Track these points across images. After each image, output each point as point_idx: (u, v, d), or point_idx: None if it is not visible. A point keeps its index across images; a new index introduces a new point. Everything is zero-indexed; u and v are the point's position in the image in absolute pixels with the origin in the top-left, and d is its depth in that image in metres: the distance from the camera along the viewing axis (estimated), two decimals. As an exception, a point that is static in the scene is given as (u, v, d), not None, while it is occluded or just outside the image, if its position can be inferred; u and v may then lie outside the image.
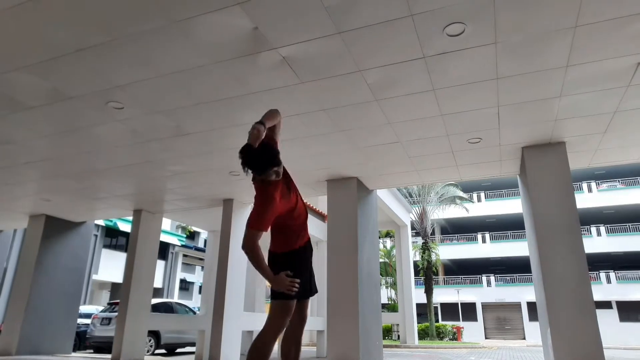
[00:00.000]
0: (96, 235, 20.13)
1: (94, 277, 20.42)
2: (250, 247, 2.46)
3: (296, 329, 2.75)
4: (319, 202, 11.26)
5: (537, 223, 5.70)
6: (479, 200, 32.25)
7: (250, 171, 2.55)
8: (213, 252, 10.92)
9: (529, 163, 5.96)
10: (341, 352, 6.55)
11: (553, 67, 4.13)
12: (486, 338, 28.82)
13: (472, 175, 7.31)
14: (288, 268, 2.60)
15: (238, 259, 8.49)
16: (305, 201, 2.88)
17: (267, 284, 2.72)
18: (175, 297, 25.00)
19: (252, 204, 2.57)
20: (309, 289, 2.80)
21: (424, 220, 20.87)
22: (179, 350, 12.62)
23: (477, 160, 6.48)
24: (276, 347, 2.97)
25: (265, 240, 2.56)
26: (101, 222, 20.18)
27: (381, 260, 23.42)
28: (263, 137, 2.53)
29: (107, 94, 4.59)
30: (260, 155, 2.52)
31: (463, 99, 4.71)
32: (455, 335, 20.94)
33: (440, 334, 20.33)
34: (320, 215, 11.38)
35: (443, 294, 30.60)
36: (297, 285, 2.54)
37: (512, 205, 29.70)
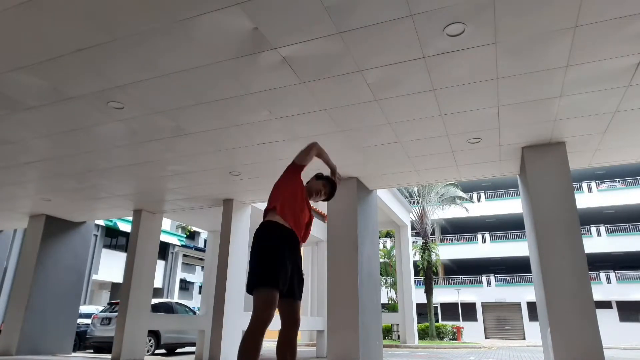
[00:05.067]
0: (96, 235, 20.13)
1: (94, 277, 20.42)
2: (309, 150, 3.07)
3: (290, 332, 2.72)
4: (319, 202, 11.24)
5: (537, 223, 5.70)
6: (479, 200, 32.27)
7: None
8: (213, 252, 10.93)
9: (529, 163, 5.96)
10: (341, 352, 6.55)
11: (553, 67, 4.13)
12: (486, 338, 28.83)
13: (472, 175, 7.31)
14: (274, 237, 2.72)
15: (238, 259, 8.50)
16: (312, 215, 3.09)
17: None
18: (175, 297, 25.00)
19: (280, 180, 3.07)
20: (295, 286, 2.75)
21: (424, 220, 20.87)
22: (179, 350, 12.63)
23: (477, 160, 6.48)
24: (270, 347, 2.96)
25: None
26: (101, 222, 20.18)
27: (381, 260, 23.44)
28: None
29: (107, 94, 4.60)
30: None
31: (463, 99, 4.71)
32: (455, 335, 20.94)
33: (440, 334, 20.33)
34: (320, 215, 11.39)
35: (443, 294, 30.62)
36: (280, 256, 2.63)
37: (512, 205, 29.72)
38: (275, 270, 2.59)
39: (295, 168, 3.05)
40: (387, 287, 24.97)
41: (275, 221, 2.78)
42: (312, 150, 3.09)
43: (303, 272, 2.94)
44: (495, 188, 32.51)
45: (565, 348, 5.16)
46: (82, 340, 11.68)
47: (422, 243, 20.96)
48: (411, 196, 21.31)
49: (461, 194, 22.56)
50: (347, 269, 6.89)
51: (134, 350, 8.61)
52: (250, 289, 2.62)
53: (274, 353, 2.78)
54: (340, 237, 7.12)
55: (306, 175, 3.14)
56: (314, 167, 3.45)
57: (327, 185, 3.21)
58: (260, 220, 2.91)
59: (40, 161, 6.49)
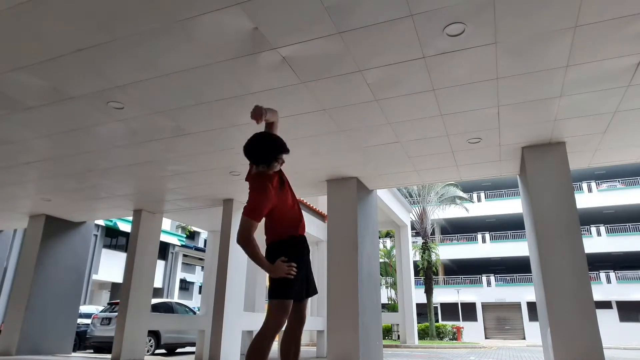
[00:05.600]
0: (96, 235, 20.12)
1: (94, 277, 20.42)
2: (246, 238, 2.51)
3: (295, 330, 2.75)
4: (319, 202, 11.26)
5: (537, 223, 5.70)
6: (479, 200, 32.26)
7: (258, 163, 2.67)
8: (213, 252, 10.92)
9: (529, 163, 5.96)
10: (341, 352, 6.55)
11: (553, 67, 4.13)
12: (486, 338, 28.83)
13: (472, 175, 7.31)
14: (283, 256, 2.63)
15: (238, 259, 8.50)
16: (303, 200, 2.94)
17: (266, 281, 2.73)
18: (175, 297, 24.99)
19: (247, 198, 2.65)
20: (307, 289, 2.78)
21: (424, 220, 20.87)
22: (179, 350, 12.63)
23: (477, 160, 6.48)
24: (275, 348, 2.97)
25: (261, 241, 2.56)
26: (101, 222, 20.17)
27: (381, 260, 23.43)
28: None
29: (107, 94, 4.60)
30: (268, 143, 2.68)
31: (463, 99, 4.71)
32: (455, 335, 20.94)
33: (440, 334, 20.33)
34: (320, 215, 11.38)
35: (443, 294, 30.61)
36: (295, 269, 2.57)
37: (512, 205, 29.71)
38: (292, 287, 2.63)
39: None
40: (387, 287, 24.96)
41: (290, 239, 2.74)
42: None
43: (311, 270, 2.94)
44: (495, 188, 32.50)
45: (565, 348, 5.16)
46: (82, 340, 11.68)
47: (422, 243, 20.96)
48: (411, 196, 21.30)
49: (461, 194, 22.55)
50: (347, 269, 6.89)
51: (134, 350, 8.60)
52: (270, 296, 2.65)
53: (276, 352, 2.79)
54: (340, 237, 7.12)
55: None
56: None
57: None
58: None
59: (40, 161, 6.49)
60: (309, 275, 2.81)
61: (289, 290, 2.61)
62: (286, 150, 2.68)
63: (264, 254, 2.64)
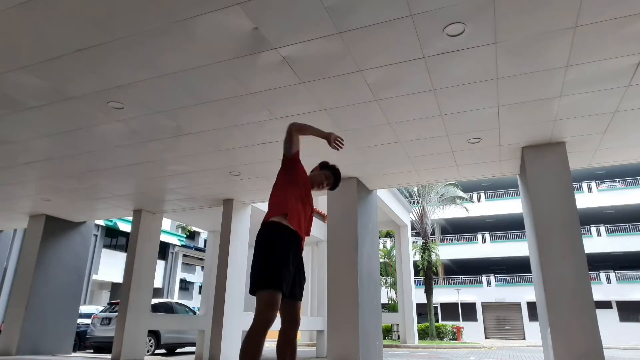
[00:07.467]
0: (96, 235, 20.13)
1: (94, 277, 20.43)
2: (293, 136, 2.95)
3: (290, 332, 2.71)
4: (319, 202, 11.27)
5: (537, 223, 5.70)
6: (479, 200, 32.26)
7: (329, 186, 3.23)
8: (213, 252, 10.93)
9: (529, 163, 5.97)
10: (341, 352, 6.55)
11: (553, 67, 4.13)
12: (486, 338, 28.83)
13: (472, 175, 7.31)
14: (277, 239, 2.67)
15: (238, 259, 8.50)
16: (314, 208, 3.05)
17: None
18: (175, 297, 25.00)
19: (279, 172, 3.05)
20: (296, 287, 2.73)
21: (424, 220, 20.87)
22: (179, 350, 12.63)
23: (477, 160, 6.48)
24: (271, 348, 2.97)
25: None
26: (101, 222, 20.18)
27: (381, 260, 23.44)
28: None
29: (107, 94, 4.60)
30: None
31: (463, 99, 4.71)
32: (455, 335, 20.94)
33: (440, 334, 20.33)
34: (320, 215, 11.38)
35: (443, 294, 30.61)
36: (283, 260, 2.59)
37: (512, 205, 29.71)
38: (279, 273, 2.55)
39: (289, 160, 2.99)
40: (387, 287, 24.97)
41: (279, 222, 2.73)
42: (293, 134, 2.96)
43: (304, 272, 2.93)
44: (495, 188, 32.51)
45: (565, 348, 5.16)
46: (82, 340, 11.68)
47: (422, 243, 20.96)
48: (411, 196, 21.31)
49: (461, 194, 22.56)
50: (347, 269, 6.90)
51: (134, 350, 8.61)
52: (253, 290, 2.59)
53: (274, 353, 2.78)
54: (340, 237, 7.12)
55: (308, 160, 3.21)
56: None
57: (331, 177, 3.12)
58: (261, 219, 2.90)
59: (40, 161, 6.49)
60: (300, 276, 2.76)
61: (278, 280, 2.53)
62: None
63: (258, 231, 2.76)
